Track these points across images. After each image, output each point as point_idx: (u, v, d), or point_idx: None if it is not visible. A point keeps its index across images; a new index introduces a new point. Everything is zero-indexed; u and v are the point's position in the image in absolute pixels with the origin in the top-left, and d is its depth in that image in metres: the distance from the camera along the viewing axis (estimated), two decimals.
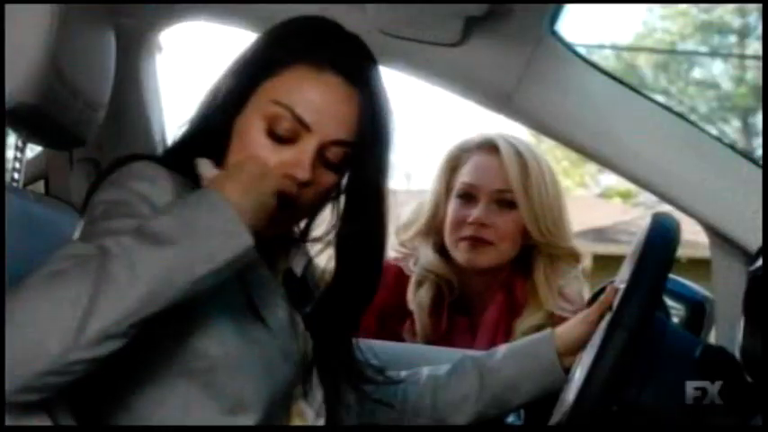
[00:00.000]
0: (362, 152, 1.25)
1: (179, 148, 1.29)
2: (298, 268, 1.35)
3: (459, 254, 2.00)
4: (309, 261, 1.38)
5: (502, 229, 1.99)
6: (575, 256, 2.04)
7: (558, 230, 2.01)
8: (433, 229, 2.06)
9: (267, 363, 1.21)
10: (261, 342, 1.21)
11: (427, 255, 2.04)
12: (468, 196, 2.01)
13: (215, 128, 1.26)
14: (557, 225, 2.00)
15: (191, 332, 1.16)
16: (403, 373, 1.51)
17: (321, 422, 1.31)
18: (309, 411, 1.30)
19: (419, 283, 2.03)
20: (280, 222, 1.21)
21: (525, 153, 1.99)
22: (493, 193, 1.99)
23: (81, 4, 1.40)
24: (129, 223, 1.12)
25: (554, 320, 1.89)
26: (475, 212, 1.98)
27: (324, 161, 1.23)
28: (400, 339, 2.01)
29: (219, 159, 1.26)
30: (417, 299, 2.01)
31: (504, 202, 1.99)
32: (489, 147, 2.02)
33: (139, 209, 1.15)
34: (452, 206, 2.03)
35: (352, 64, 1.24)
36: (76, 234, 1.18)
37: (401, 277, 2.05)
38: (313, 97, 1.22)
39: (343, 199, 1.30)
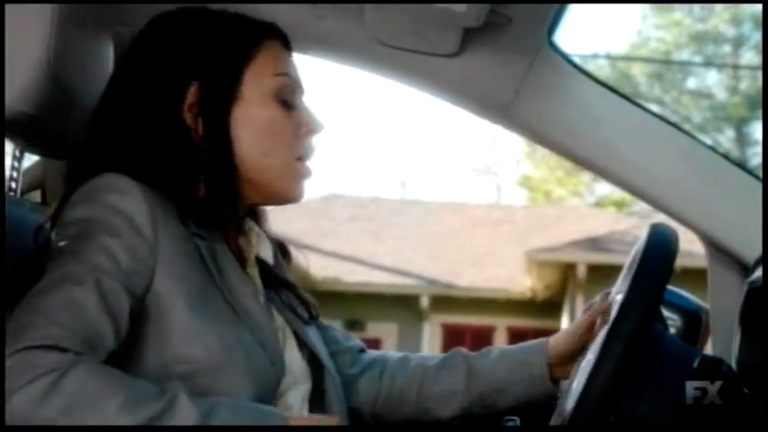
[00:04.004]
0: None
1: (148, 158, 1.25)
2: (268, 256, 1.37)
3: None
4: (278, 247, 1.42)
5: None
6: None
7: None
8: None
9: (250, 361, 1.21)
10: (242, 341, 1.21)
11: None
12: None
13: (213, 128, 1.27)
14: None
15: (174, 339, 1.17)
16: (394, 357, 1.52)
17: (305, 413, 1.31)
18: (296, 404, 1.30)
19: None
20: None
21: None
22: None
23: (80, 4, 1.40)
24: (108, 242, 1.15)
25: None
26: None
27: None
28: None
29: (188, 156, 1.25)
30: None
31: None
32: None
33: (114, 223, 1.17)
34: None
35: (283, 32, 1.37)
36: (55, 247, 1.18)
37: None
38: (290, 61, 1.36)
39: None
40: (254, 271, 1.34)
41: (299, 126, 1.32)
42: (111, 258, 1.15)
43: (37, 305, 1.10)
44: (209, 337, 1.18)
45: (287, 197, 1.34)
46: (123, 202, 1.18)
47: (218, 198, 1.26)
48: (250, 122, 1.29)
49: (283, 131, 1.31)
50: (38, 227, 1.27)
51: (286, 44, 1.36)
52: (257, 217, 1.40)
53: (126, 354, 1.16)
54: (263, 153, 1.29)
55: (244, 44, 1.30)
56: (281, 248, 1.43)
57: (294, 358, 1.32)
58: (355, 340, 1.55)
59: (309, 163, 1.35)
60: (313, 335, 1.40)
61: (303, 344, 1.36)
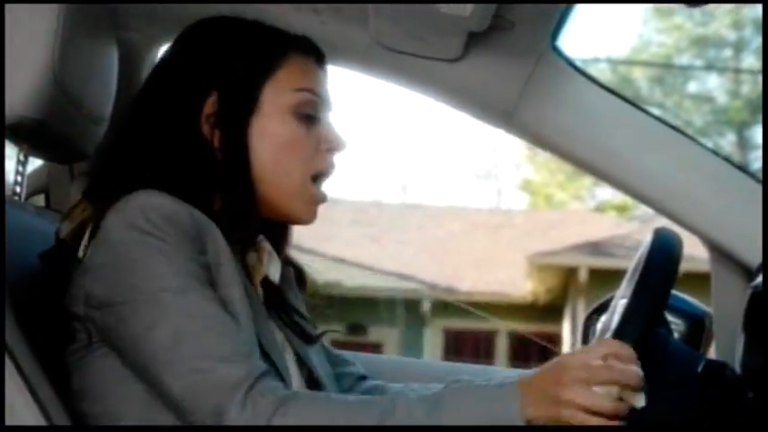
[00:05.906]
0: None
1: (168, 171, 1.23)
2: (275, 276, 1.33)
3: None
4: (294, 268, 1.40)
5: None
6: None
7: None
8: None
9: None
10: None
11: None
12: None
13: (230, 139, 1.25)
14: None
15: None
16: (394, 389, 1.48)
17: None
18: None
19: None
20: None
21: None
22: None
23: (85, 5, 1.40)
24: (183, 258, 1.13)
25: None
26: None
27: None
28: None
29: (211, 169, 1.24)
30: None
31: None
32: None
33: (170, 239, 1.14)
34: None
35: (315, 46, 1.35)
36: (98, 270, 1.15)
37: None
38: (318, 76, 1.32)
39: None
40: (258, 288, 1.32)
41: (320, 142, 1.30)
42: (196, 275, 1.14)
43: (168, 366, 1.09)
44: None
45: (296, 219, 1.32)
46: (168, 212, 1.15)
47: (234, 212, 1.24)
48: (266, 137, 1.26)
49: (299, 148, 1.28)
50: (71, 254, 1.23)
51: (318, 58, 1.34)
52: (282, 237, 1.37)
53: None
54: (276, 169, 1.26)
55: (266, 56, 1.28)
56: (298, 275, 1.41)
57: (293, 374, 1.30)
58: (357, 366, 1.52)
59: (325, 185, 1.32)
60: (315, 355, 1.38)
61: (302, 363, 1.33)
